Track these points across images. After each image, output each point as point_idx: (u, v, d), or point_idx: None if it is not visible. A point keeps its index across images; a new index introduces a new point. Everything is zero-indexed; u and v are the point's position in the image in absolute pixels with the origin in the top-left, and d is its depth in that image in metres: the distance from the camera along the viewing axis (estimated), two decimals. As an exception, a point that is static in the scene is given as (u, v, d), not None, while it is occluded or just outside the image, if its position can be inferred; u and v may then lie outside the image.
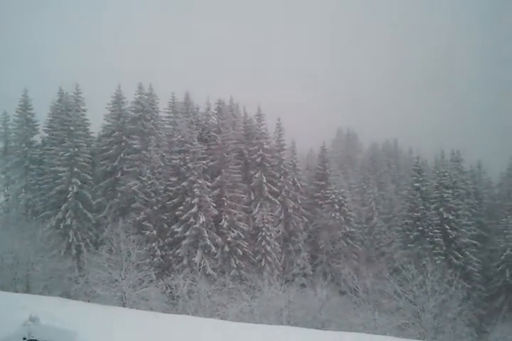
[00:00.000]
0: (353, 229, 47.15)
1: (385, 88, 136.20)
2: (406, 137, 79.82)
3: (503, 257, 44.68)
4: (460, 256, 42.95)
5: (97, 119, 47.23)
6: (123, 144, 44.31)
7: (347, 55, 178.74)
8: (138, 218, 38.83)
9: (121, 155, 43.86)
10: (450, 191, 45.47)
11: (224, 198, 42.05)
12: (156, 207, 39.72)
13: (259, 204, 44.91)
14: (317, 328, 23.78)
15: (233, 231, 40.97)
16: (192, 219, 39.08)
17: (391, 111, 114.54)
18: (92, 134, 47.21)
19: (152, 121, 45.70)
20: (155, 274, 32.61)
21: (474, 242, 45.60)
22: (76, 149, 42.22)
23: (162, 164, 42.15)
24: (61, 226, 39.77)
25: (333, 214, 46.56)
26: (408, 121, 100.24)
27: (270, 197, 45.74)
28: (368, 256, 48.59)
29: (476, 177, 57.30)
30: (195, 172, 40.59)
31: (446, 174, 46.38)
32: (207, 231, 39.28)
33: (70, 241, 39.61)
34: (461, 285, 35.07)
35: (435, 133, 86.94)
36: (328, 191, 48.18)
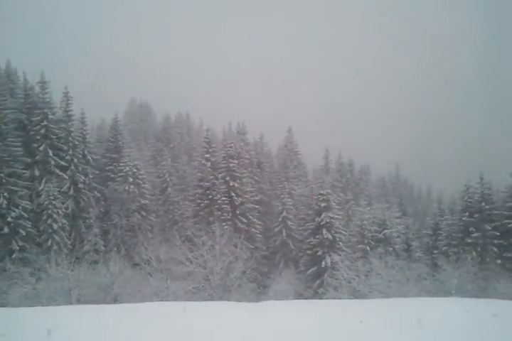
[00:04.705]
0: (147, 202, 47.47)
1: (180, 63, 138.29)
2: (197, 109, 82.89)
3: (280, 219, 50.51)
4: (244, 220, 47.24)
5: None
6: None
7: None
8: None
9: None
10: (236, 161, 49.19)
11: (1, 174, 37.84)
12: None
13: (44, 180, 41.73)
14: (109, 303, 23.68)
15: (14, 211, 37.37)
16: (-40, 200, 34.25)
17: (184, 83, 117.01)
18: None
19: None
20: None
21: (256, 207, 50.53)
22: None
23: None
24: None
25: (126, 187, 46.07)
26: (199, 94, 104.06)
27: (57, 171, 42.87)
28: (162, 227, 49.77)
29: (258, 148, 62.85)
30: (-37, 146, 35.42)
31: (232, 145, 49.88)
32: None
33: None
34: (246, 246, 38.82)
35: (224, 106, 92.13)
36: (121, 164, 47.32)
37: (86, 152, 45.89)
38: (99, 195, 45.90)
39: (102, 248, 41.76)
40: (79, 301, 25.09)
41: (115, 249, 42.76)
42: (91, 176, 45.50)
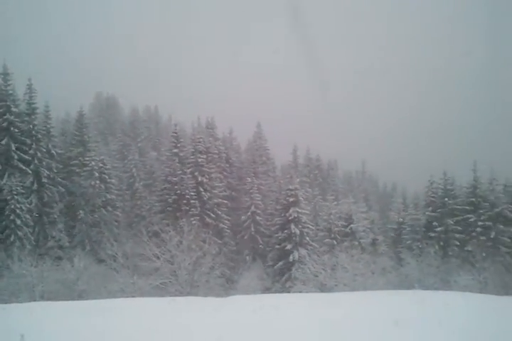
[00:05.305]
0: (113, 197, 46.73)
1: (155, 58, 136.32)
2: (166, 103, 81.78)
3: (249, 213, 50.67)
4: (213, 215, 47.20)
5: None
6: None
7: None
8: None
9: None
10: (204, 156, 49.07)
11: (-40, 169, 36.57)
12: None
13: (7, 175, 40.59)
14: (74, 300, 23.31)
15: (-26, 206, 36.22)
16: None
17: (153, 76, 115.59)
18: None
19: None
20: None
21: (225, 202, 50.50)
22: None
23: None
24: None
25: (92, 182, 45.20)
26: (167, 88, 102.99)
27: (20, 165, 41.72)
28: (128, 222, 49.20)
29: (227, 143, 62.69)
30: None
31: (201, 140, 49.68)
32: None
33: None
34: (214, 242, 38.81)
35: (192, 100, 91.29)
36: (87, 158, 46.41)
37: (50, 146, 44.80)
38: (63, 189, 44.92)
39: (67, 244, 40.95)
40: (42, 298, 24.63)
41: (80, 244, 42.00)
42: (55, 170, 44.45)
